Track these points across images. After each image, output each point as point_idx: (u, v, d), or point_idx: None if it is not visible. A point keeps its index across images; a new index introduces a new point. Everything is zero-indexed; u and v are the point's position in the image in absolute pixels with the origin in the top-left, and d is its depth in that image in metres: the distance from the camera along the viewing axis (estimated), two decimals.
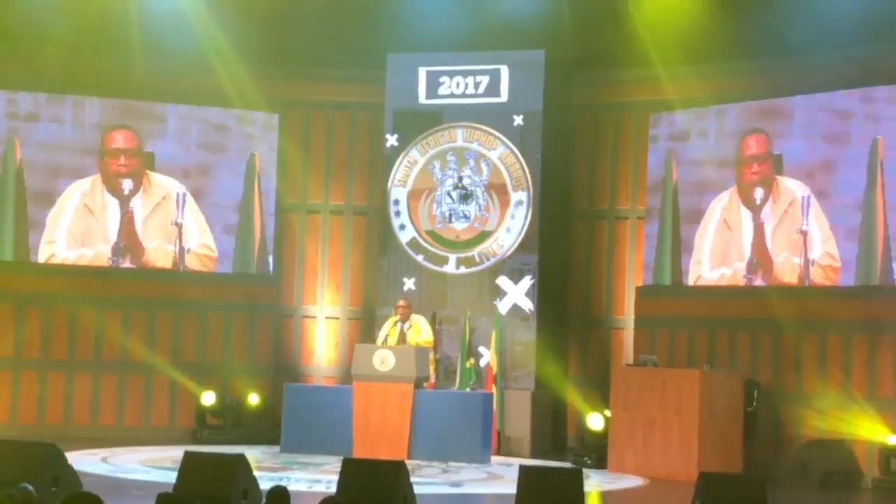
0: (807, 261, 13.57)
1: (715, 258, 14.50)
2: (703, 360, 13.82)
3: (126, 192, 15.29)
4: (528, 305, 14.96)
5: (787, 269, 13.75)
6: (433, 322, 14.75)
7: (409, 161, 15.53)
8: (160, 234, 15.40)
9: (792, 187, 13.81)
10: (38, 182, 15.05)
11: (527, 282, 14.97)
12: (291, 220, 16.18)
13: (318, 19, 15.16)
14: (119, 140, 15.38)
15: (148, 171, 15.42)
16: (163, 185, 15.47)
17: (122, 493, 10.17)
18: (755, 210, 14.13)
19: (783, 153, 13.94)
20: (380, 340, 13.86)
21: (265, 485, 8.25)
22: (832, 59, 13.54)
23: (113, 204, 15.30)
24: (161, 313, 15.43)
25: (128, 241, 15.25)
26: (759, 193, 14.12)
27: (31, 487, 6.02)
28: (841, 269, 13.30)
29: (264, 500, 6.73)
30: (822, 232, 13.50)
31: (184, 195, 15.44)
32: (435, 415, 13.13)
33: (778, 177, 13.95)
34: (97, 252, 15.19)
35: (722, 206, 14.45)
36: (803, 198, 13.65)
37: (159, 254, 15.35)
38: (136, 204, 15.34)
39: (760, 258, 14.02)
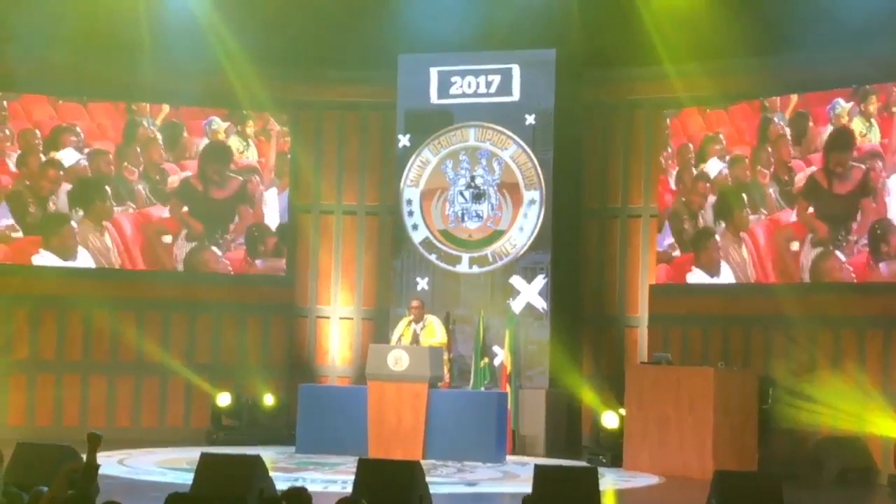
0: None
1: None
2: (717, 358, 13.79)
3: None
4: (541, 304, 14.95)
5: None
6: (447, 322, 14.75)
7: (421, 161, 15.54)
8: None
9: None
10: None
11: (540, 281, 14.96)
12: (304, 221, 16.20)
13: (329, 20, 15.18)
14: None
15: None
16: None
17: (139, 494, 10.17)
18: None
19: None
20: (393, 340, 13.88)
21: (281, 485, 8.28)
22: (843, 56, 13.49)
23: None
24: (175, 314, 15.48)
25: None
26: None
27: (45, 490, 6.02)
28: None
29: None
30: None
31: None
32: (449, 414, 13.14)
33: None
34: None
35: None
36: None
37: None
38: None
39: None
